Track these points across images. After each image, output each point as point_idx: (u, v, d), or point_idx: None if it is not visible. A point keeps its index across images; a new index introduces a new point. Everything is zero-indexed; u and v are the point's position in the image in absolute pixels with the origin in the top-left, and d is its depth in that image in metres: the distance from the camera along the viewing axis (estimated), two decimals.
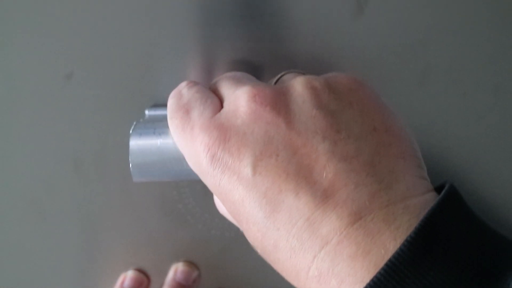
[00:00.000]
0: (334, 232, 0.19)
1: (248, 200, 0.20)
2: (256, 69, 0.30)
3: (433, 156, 0.32)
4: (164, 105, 0.27)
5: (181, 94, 0.24)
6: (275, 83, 0.25)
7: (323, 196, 0.19)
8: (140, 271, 0.35)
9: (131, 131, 0.24)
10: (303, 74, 0.25)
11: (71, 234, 0.33)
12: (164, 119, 0.24)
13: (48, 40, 0.29)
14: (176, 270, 0.34)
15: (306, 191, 0.19)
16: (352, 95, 0.22)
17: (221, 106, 0.23)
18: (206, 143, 0.21)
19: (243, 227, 0.21)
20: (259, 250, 0.21)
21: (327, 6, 0.29)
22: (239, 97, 0.22)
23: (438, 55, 0.30)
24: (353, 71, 0.30)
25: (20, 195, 0.32)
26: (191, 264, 0.35)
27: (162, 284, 0.35)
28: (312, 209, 0.19)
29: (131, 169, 0.24)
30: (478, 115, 0.31)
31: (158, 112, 0.29)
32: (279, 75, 0.25)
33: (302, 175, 0.20)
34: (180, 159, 0.23)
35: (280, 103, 0.21)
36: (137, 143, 0.24)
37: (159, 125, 0.25)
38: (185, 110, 0.23)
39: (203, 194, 0.33)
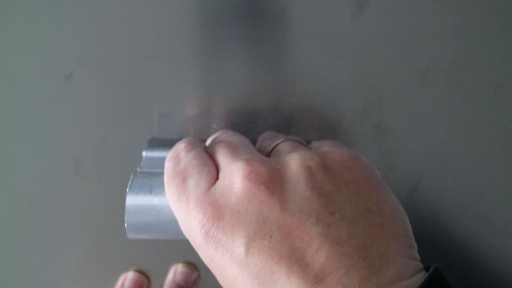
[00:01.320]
0: None
1: (241, 279, 0.20)
2: (256, 69, 0.30)
3: (433, 156, 0.32)
4: (162, 143, 0.28)
5: (179, 158, 0.24)
6: (271, 150, 0.25)
7: (314, 280, 0.19)
8: (141, 272, 0.35)
9: (128, 187, 0.24)
10: (300, 143, 0.25)
11: (71, 234, 0.33)
12: (161, 174, 0.24)
13: (48, 40, 0.29)
14: (175, 271, 0.34)
15: (298, 274, 0.19)
16: (347, 173, 0.22)
17: (217, 175, 0.23)
18: (200, 219, 0.21)
19: None
20: None
21: (327, 6, 0.29)
22: (234, 173, 0.22)
23: (438, 55, 0.30)
24: (353, 71, 0.30)
25: (20, 195, 0.32)
26: (191, 265, 0.35)
27: (162, 285, 0.35)
28: None
29: (126, 228, 0.24)
30: (478, 115, 0.31)
31: (155, 154, 0.29)
32: (275, 143, 0.25)
33: (294, 258, 0.20)
34: (175, 222, 0.23)
35: (274, 182, 0.21)
36: (134, 202, 0.24)
37: (156, 183, 0.25)
38: (182, 178, 0.23)
39: None
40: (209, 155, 0.24)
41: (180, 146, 0.25)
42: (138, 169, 0.28)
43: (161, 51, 0.30)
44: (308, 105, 0.31)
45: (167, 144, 0.31)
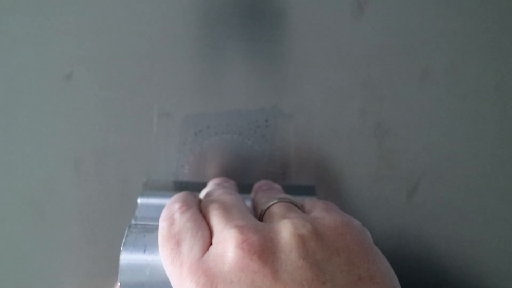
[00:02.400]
0: None
1: None
2: (256, 69, 0.30)
3: (433, 156, 0.32)
4: (157, 190, 0.28)
5: (173, 219, 0.24)
6: (264, 211, 0.25)
7: None
8: None
9: (122, 244, 0.24)
10: (294, 204, 0.25)
11: (71, 233, 0.33)
12: (155, 230, 0.25)
13: (48, 40, 0.29)
14: None
15: None
16: (339, 240, 0.22)
17: (211, 240, 0.23)
18: None
19: None
20: None
21: (327, 6, 0.29)
22: (227, 241, 0.22)
23: (437, 55, 0.30)
24: (353, 71, 0.30)
25: (20, 195, 0.32)
26: None
27: None
28: None
29: (119, 287, 0.24)
30: (478, 115, 0.31)
31: (150, 200, 0.30)
32: (268, 204, 0.25)
33: None
34: (168, 282, 0.24)
35: (267, 252, 0.22)
36: (128, 261, 0.24)
37: (150, 240, 0.25)
38: (176, 241, 0.23)
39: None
40: (203, 215, 0.25)
41: (175, 207, 0.25)
42: (133, 221, 0.28)
43: (161, 51, 0.30)
44: (308, 105, 0.31)
45: (162, 188, 0.31)
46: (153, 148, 0.31)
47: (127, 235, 0.25)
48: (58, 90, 0.30)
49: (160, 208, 0.26)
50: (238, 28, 0.29)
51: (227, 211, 0.24)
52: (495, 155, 0.32)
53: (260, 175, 0.32)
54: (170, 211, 0.25)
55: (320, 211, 0.24)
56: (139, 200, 0.30)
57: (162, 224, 0.24)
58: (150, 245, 0.25)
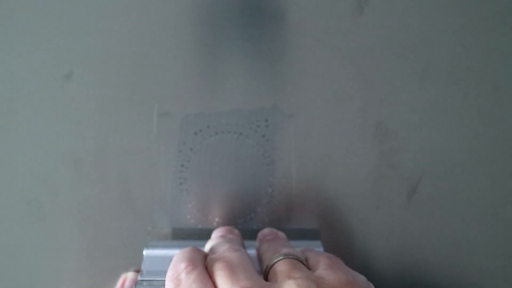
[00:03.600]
0: None
1: None
2: (256, 68, 0.30)
3: (433, 155, 0.32)
4: (162, 240, 0.30)
5: (179, 280, 0.25)
6: (270, 268, 0.26)
7: None
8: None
9: None
10: (298, 260, 0.26)
11: (71, 233, 0.33)
12: (162, 286, 0.25)
13: (47, 39, 0.29)
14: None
15: None
16: None
17: None
18: None
19: None
20: None
21: (327, 5, 0.29)
22: None
23: (438, 55, 0.30)
24: (353, 70, 0.30)
25: (19, 194, 0.32)
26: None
27: None
28: None
29: None
30: (478, 115, 0.31)
31: (156, 252, 0.30)
32: (273, 261, 0.26)
33: None
34: None
35: None
36: None
37: None
38: None
39: (203, 195, 0.33)
40: (209, 273, 0.25)
41: (181, 266, 0.25)
42: (139, 277, 0.29)
43: (161, 50, 0.30)
44: (308, 105, 0.31)
45: (167, 236, 0.32)
46: (153, 147, 0.31)
47: None
48: (57, 89, 0.30)
49: (166, 260, 0.26)
50: (238, 27, 0.29)
51: (232, 271, 0.24)
52: (495, 155, 0.32)
53: (260, 175, 0.32)
54: (176, 271, 0.25)
55: (325, 268, 0.24)
56: (144, 252, 0.30)
57: (168, 285, 0.25)
58: None
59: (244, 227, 0.33)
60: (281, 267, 0.25)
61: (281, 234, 0.31)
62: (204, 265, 0.26)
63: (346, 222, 0.33)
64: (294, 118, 0.31)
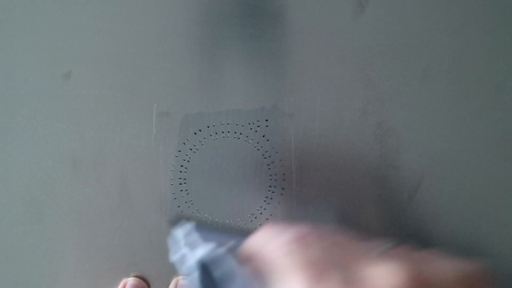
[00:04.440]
0: None
1: None
2: (256, 68, 0.30)
3: (435, 155, 0.32)
4: None
5: (308, 243, 0.23)
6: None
7: None
8: (141, 278, 0.34)
9: None
10: None
11: (70, 234, 0.33)
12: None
13: (46, 39, 0.29)
14: (176, 283, 0.34)
15: None
16: None
17: None
18: None
19: None
20: None
21: (328, 4, 0.29)
22: None
23: (439, 54, 0.30)
24: (354, 70, 0.30)
25: (18, 194, 0.32)
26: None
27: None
28: None
29: None
30: (479, 114, 0.31)
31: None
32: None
33: None
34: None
35: None
36: None
37: None
38: None
39: (203, 195, 0.33)
40: None
41: (305, 230, 0.24)
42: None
43: (160, 50, 0.30)
44: (308, 105, 0.31)
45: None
46: (152, 147, 0.31)
47: None
48: (56, 89, 0.30)
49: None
50: (238, 27, 0.29)
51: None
52: (496, 154, 0.32)
53: (260, 175, 0.32)
54: (301, 232, 0.23)
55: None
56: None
57: (293, 247, 0.23)
58: None
59: (244, 227, 0.33)
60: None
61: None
62: None
63: (347, 222, 0.33)
64: (294, 118, 0.31)
